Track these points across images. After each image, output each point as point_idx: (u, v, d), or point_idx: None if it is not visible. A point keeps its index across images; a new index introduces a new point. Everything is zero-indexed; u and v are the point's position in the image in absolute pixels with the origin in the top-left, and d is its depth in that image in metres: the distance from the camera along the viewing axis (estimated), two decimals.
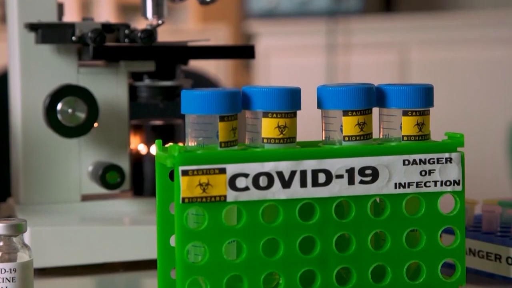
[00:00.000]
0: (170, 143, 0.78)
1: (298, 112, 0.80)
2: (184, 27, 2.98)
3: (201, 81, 1.73)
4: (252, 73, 2.84)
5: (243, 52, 1.05)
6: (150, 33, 0.98)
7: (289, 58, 2.74)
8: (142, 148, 1.03)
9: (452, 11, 3.09)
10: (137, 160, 1.03)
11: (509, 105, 2.59)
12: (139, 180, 1.03)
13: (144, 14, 1.03)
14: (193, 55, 1.03)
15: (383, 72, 2.67)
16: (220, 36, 2.98)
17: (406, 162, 0.79)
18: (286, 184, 0.77)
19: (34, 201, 0.99)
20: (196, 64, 1.55)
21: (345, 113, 0.80)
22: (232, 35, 3.27)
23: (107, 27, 0.99)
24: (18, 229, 0.74)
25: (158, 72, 1.02)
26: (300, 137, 0.81)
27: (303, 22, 2.71)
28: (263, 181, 0.77)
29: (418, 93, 0.80)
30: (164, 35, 1.11)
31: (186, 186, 0.75)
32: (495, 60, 2.61)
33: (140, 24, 1.04)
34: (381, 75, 2.67)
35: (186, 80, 1.05)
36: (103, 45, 0.95)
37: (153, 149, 1.02)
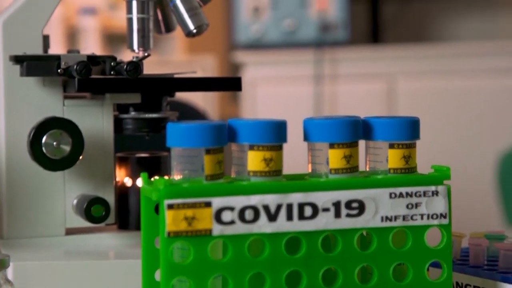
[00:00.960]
0: (156, 176, 0.78)
1: (284, 144, 0.80)
2: (171, 58, 2.99)
3: (188, 111, 1.73)
4: (240, 103, 2.85)
5: (229, 84, 1.05)
6: (136, 65, 0.98)
7: (276, 88, 2.74)
8: (127, 181, 1.03)
9: (438, 42, 3.11)
10: (123, 193, 1.03)
11: (496, 136, 2.61)
12: (124, 213, 1.02)
13: (130, 46, 1.04)
14: (179, 87, 1.03)
15: (370, 102, 2.68)
16: (207, 66, 2.99)
17: (393, 195, 0.79)
18: (272, 217, 0.77)
19: (18, 235, 0.99)
20: (183, 94, 1.55)
21: (332, 146, 0.80)
22: (220, 65, 3.28)
23: (93, 59, 0.99)
24: (0, 265, 0.74)
25: (144, 104, 1.02)
26: (286, 169, 0.81)
27: (290, 52, 2.72)
28: (249, 214, 0.77)
29: (404, 126, 0.81)
30: (151, 66, 1.12)
31: (171, 220, 0.75)
32: (482, 90, 2.62)
33: (126, 56, 1.05)
34: (368, 105, 2.68)
35: (172, 112, 1.05)
36: (89, 77, 0.95)
37: (139, 182, 1.02)
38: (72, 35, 3.03)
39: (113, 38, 3.10)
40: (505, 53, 2.63)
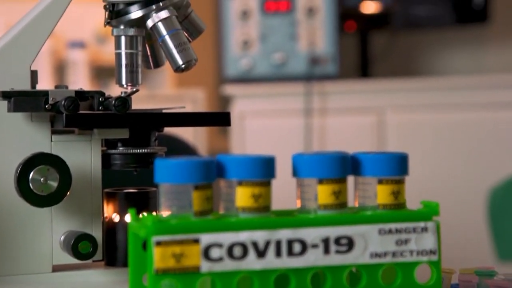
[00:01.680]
0: (144, 212, 0.78)
1: (273, 178, 0.80)
2: (161, 92, 2.99)
3: (177, 145, 1.73)
4: (229, 135, 2.85)
5: (218, 119, 1.05)
6: (124, 100, 0.98)
7: (266, 121, 2.75)
8: (115, 217, 1.02)
9: (427, 76, 3.13)
10: (110, 229, 1.02)
11: (487, 169, 2.61)
12: (112, 249, 1.02)
13: (118, 81, 1.04)
14: (167, 122, 1.04)
15: (360, 135, 2.69)
16: (197, 100, 2.99)
17: (382, 232, 0.80)
18: (261, 254, 0.77)
19: (4, 272, 0.98)
20: (172, 128, 1.55)
21: (320, 182, 0.80)
22: (209, 99, 3.29)
23: (80, 95, 0.99)
24: None
25: (132, 139, 1.02)
26: (275, 204, 0.82)
27: (279, 86, 2.73)
28: (237, 251, 0.77)
29: (393, 162, 0.81)
30: (140, 101, 1.12)
31: (159, 257, 0.75)
32: (471, 124, 2.63)
33: (115, 89, 1.05)
34: (358, 138, 2.69)
35: (160, 147, 1.05)
36: (76, 113, 0.95)
37: (127, 218, 1.02)
38: (60, 68, 3.03)
39: (102, 72, 3.10)
40: (493, 87, 2.64)
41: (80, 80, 2.96)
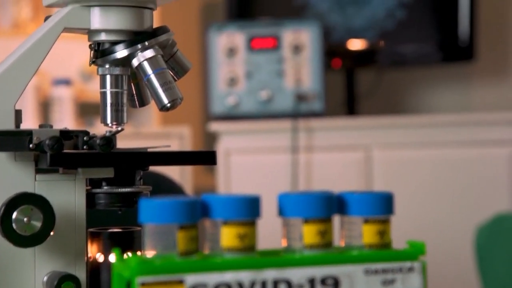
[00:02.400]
0: (129, 252, 0.78)
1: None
2: (146, 130, 2.99)
3: (162, 182, 1.73)
4: (215, 172, 2.85)
5: (204, 158, 1.06)
6: (108, 140, 0.98)
7: (252, 158, 2.75)
8: (99, 257, 1.02)
9: (413, 114, 3.15)
10: (94, 269, 1.02)
11: (473, 207, 2.62)
12: None
13: (103, 120, 1.04)
14: (152, 161, 1.04)
15: (347, 172, 2.69)
16: (183, 137, 2.99)
17: (368, 272, 0.80)
18: None
19: None
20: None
21: (306, 222, 0.80)
22: (195, 136, 3.29)
23: (65, 134, 1.00)
24: None
25: (117, 179, 1.02)
26: (261, 243, 0.81)
27: (265, 123, 2.74)
28: None
29: (379, 202, 0.81)
30: (126, 139, 1.12)
31: None
32: (458, 161, 2.64)
33: (100, 126, 1.05)
34: (345, 175, 2.69)
35: (145, 186, 1.05)
36: (61, 152, 0.95)
37: (111, 258, 1.01)
38: (45, 105, 3.03)
39: (87, 109, 3.10)
40: (479, 124, 2.66)
41: (65, 117, 2.95)
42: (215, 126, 2.76)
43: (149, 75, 1.02)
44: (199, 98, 3.43)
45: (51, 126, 1.02)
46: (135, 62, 1.03)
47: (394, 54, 2.95)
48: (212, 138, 3.02)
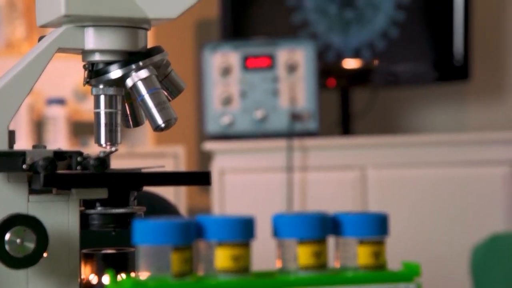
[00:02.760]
0: (123, 273, 0.78)
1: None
2: (141, 150, 2.99)
3: (156, 202, 1.73)
4: (210, 191, 2.85)
5: (198, 178, 1.06)
6: (102, 160, 0.98)
7: (247, 177, 2.75)
8: (93, 278, 1.02)
9: (408, 133, 3.15)
10: None
11: (469, 227, 2.62)
12: None
13: (97, 140, 1.04)
14: (146, 182, 1.04)
15: (341, 191, 2.69)
16: (178, 156, 2.99)
17: None
18: None
19: None
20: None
21: (301, 243, 0.80)
22: (190, 155, 3.29)
23: (58, 155, 1.00)
24: None
25: (111, 199, 1.02)
26: (256, 263, 0.81)
27: (260, 142, 2.74)
28: None
29: (373, 223, 0.81)
30: (121, 158, 1.12)
31: None
32: (453, 181, 2.65)
33: (94, 146, 1.05)
34: (340, 194, 2.69)
35: (139, 207, 1.05)
36: (54, 173, 0.95)
37: (105, 279, 1.01)
38: (39, 124, 3.03)
39: (81, 128, 3.10)
40: (473, 144, 2.66)
41: (59, 137, 2.95)
42: (209, 146, 2.76)
43: (143, 95, 1.02)
44: (193, 117, 3.43)
45: (45, 147, 1.02)
46: (129, 82, 1.03)
47: (389, 74, 2.96)
48: (207, 157, 3.02)
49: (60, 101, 3.00)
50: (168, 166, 2.91)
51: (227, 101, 2.78)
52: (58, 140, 2.94)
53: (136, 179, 1.02)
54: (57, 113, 2.98)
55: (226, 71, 2.79)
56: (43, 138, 2.98)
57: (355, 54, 2.98)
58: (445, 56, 2.93)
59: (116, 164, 1.08)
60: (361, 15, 2.99)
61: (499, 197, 2.63)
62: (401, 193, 2.67)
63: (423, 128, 3.22)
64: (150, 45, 1.06)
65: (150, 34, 1.08)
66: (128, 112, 1.10)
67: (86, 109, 3.07)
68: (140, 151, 2.96)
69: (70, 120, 3.03)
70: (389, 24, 2.97)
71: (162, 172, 1.03)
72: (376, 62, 2.96)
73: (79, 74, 1.07)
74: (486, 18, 3.19)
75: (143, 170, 1.04)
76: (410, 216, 2.65)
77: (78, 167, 1.00)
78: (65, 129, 2.99)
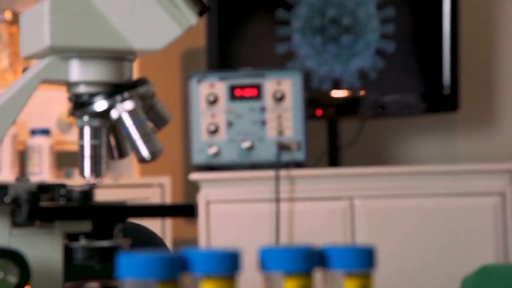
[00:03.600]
0: None
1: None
2: (127, 181, 2.98)
3: (142, 234, 1.72)
4: (197, 221, 2.84)
5: (183, 211, 1.06)
6: (86, 193, 0.98)
7: (233, 208, 2.75)
8: None
9: (396, 164, 3.16)
10: None
11: (458, 259, 2.62)
12: None
13: (81, 172, 1.04)
14: (131, 214, 1.03)
15: (329, 222, 2.69)
16: (164, 186, 2.98)
17: None
18: None
19: None
20: None
21: (287, 276, 0.80)
22: (176, 186, 3.29)
23: (42, 188, 0.99)
24: None
25: (95, 232, 1.02)
26: None
27: (247, 172, 2.74)
28: None
29: (360, 255, 0.81)
30: (106, 189, 1.12)
31: None
32: (442, 212, 2.65)
33: (79, 177, 1.05)
34: (327, 225, 2.69)
35: (124, 239, 1.05)
36: (38, 205, 0.95)
37: None
38: (23, 154, 3.02)
39: (66, 159, 3.10)
40: (462, 175, 2.67)
41: (43, 168, 2.95)
42: (196, 176, 2.76)
43: (129, 127, 1.02)
44: (180, 147, 3.43)
45: (28, 179, 1.01)
46: (114, 114, 1.03)
47: (377, 104, 2.97)
48: (193, 188, 3.02)
49: (44, 132, 2.99)
50: (155, 196, 2.91)
51: (213, 131, 2.79)
52: (42, 171, 2.93)
53: (120, 212, 1.02)
54: (41, 143, 2.98)
55: (212, 101, 2.79)
56: (26, 169, 2.97)
57: (343, 84, 2.99)
58: (434, 86, 2.94)
59: (102, 194, 1.08)
60: (349, 45, 3.01)
61: (488, 229, 2.63)
62: (390, 224, 2.67)
63: (412, 159, 3.23)
64: (136, 74, 1.07)
65: (136, 63, 1.08)
66: (113, 144, 1.11)
67: (71, 140, 3.07)
68: (126, 182, 2.96)
69: (54, 151, 3.02)
70: (377, 54, 2.98)
71: (146, 205, 1.03)
72: (364, 92, 2.97)
73: (64, 104, 1.07)
74: (474, 48, 3.21)
75: (128, 202, 1.03)
76: (399, 247, 2.65)
77: (62, 200, 1.00)
78: (49, 160, 2.98)
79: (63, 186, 1.01)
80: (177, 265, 0.79)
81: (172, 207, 1.09)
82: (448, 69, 2.93)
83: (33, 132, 3.00)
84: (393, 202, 2.68)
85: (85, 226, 1.00)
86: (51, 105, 3.03)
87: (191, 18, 1.05)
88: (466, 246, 2.63)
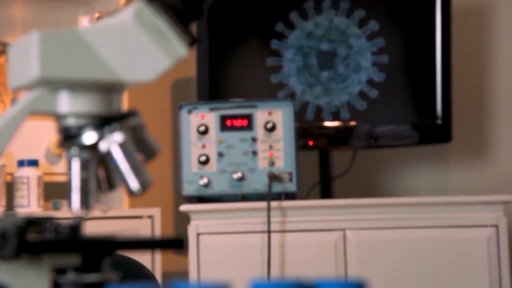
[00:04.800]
0: None
1: None
2: (117, 213, 2.98)
3: (132, 267, 1.72)
4: (187, 252, 2.84)
5: (172, 244, 1.05)
6: (74, 226, 0.98)
7: (224, 239, 2.74)
8: None
9: (388, 196, 3.16)
10: None
11: None
12: None
13: (70, 205, 1.04)
14: (120, 248, 1.03)
15: (321, 254, 2.69)
16: (154, 217, 2.98)
17: None
18: None
19: None
20: None
21: None
22: (167, 217, 3.28)
23: (30, 222, 0.99)
24: None
25: (83, 265, 1.02)
26: None
27: (238, 203, 2.74)
28: None
29: None
30: (96, 220, 1.11)
31: None
32: (437, 243, 2.65)
33: (67, 210, 1.05)
34: (319, 256, 2.68)
35: (113, 273, 1.05)
36: (26, 239, 0.95)
37: None
38: (10, 186, 3.01)
39: (54, 191, 3.09)
40: (456, 206, 2.67)
41: (31, 199, 2.93)
42: (186, 207, 2.76)
43: (118, 159, 1.03)
44: (170, 178, 3.43)
45: (15, 213, 1.01)
46: (103, 146, 1.03)
47: (369, 135, 2.98)
48: (183, 219, 3.02)
49: (32, 163, 2.98)
50: (145, 227, 2.90)
51: (204, 162, 2.79)
52: (30, 203, 2.92)
53: (109, 245, 1.02)
54: (29, 174, 2.97)
55: (203, 132, 2.80)
56: (14, 200, 2.96)
57: (335, 115, 3.00)
58: (426, 117, 2.96)
59: (91, 226, 1.08)
60: (341, 75, 3.02)
61: (482, 260, 2.63)
62: (383, 256, 2.67)
63: (404, 190, 3.23)
64: (126, 104, 1.07)
65: (126, 92, 1.09)
66: (102, 176, 1.11)
67: (59, 171, 3.06)
68: (115, 214, 2.95)
69: (42, 182, 3.01)
70: (369, 84, 3.00)
71: (135, 239, 1.03)
72: (356, 122, 2.98)
73: (52, 135, 1.07)
74: (467, 79, 3.23)
75: (117, 235, 1.03)
76: (392, 279, 2.65)
77: (50, 233, 1.00)
78: (37, 192, 2.97)
79: (51, 219, 1.01)
80: None
81: (161, 241, 1.09)
82: (441, 100, 2.94)
83: (21, 163, 2.99)
84: (386, 234, 2.68)
85: (74, 259, 1.00)
86: (40, 136, 3.03)
87: (181, 49, 1.05)
88: (459, 279, 2.63)
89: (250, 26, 3.13)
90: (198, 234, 2.74)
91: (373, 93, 2.98)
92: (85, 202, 1.04)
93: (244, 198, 2.77)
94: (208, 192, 2.79)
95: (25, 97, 1.04)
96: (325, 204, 2.75)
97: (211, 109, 2.80)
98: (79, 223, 0.99)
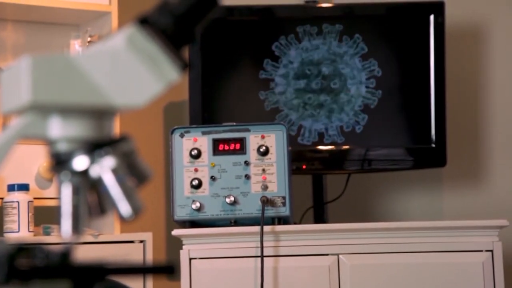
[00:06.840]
0: None
1: None
2: (108, 238, 2.97)
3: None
4: (179, 277, 2.83)
5: (163, 270, 1.05)
6: (65, 252, 0.98)
7: (217, 264, 2.74)
8: None
9: (383, 220, 3.17)
10: None
11: None
12: None
13: (61, 230, 1.04)
14: (111, 273, 1.03)
15: (314, 278, 2.68)
16: (146, 241, 2.97)
17: None
18: None
19: None
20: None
21: None
22: (159, 242, 3.28)
23: (20, 248, 0.99)
24: None
25: None
26: None
27: (230, 228, 2.74)
28: None
29: None
30: (88, 245, 1.11)
31: None
32: (431, 268, 2.65)
33: (57, 235, 1.05)
34: (312, 281, 2.68)
35: None
36: (15, 266, 0.95)
37: None
38: (1, 210, 3.01)
39: (45, 215, 3.08)
40: (450, 231, 2.68)
41: (21, 224, 2.93)
42: (178, 232, 2.76)
43: (108, 184, 1.03)
44: (162, 202, 3.43)
45: (5, 239, 1.01)
46: (94, 171, 1.03)
47: (363, 158, 2.99)
48: (175, 243, 3.01)
49: (23, 187, 2.98)
50: (136, 252, 2.89)
51: (197, 186, 2.79)
52: (20, 227, 2.92)
53: (100, 272, 1.02)
54: (19, 199, 2.96)
55: (196, 156, 2.80)
56: (4, 225, 2.95)
57: (329, 139, 3.01)
58: (420, 141, 2.96)
59: (82, 251, 1.08)
60: (334, 99, 3.03)
61: (477, 285, 2.63)
62: (377, 280, 2.67)
63: (398, 214, 3.24)
64: (118, 127, 1.07)
65: (118, 116, 1.09)
66: (94, 201, 1.11)
67: (50, 196, 3.05)
68: (107, 239, 2.94)
69: (32, 207, 3.01)
70: (363, 108, 3.01)
71: (126, 265, 1.03)
72: (349, 146, 2.99)
73: (43, 159, 1.07)
74: (461, 103, 3.25)
75: (108, 261, 1.03)
76: None
77: (40, 260, 1.00)
78: (27, 216, 2.97)
79: (41, 245, 1.01)
80: None
81: (151, 268, 1.09)
82: (435, 124, 2.95)
83: (11, 188, 2.99)
84: (380, 258, 2.68)
85: (64, 286, 1.00)
86: (30, 160, 3.02)
87: (173, 74, 1.06)
88: None
89: (243, 50, 3.14)
90: (190, 259, 2.74)
91: (367, 117, 2.99)
92: (76, 227, 1.04)
93: (237, 222, 2.77)
94: (201, 216, 2.79)
95: (16, 122, 1.04)
96: (319, 228, 2.75)
97: (204, 133, 2.81)
98: (70, 250, 0.99)
